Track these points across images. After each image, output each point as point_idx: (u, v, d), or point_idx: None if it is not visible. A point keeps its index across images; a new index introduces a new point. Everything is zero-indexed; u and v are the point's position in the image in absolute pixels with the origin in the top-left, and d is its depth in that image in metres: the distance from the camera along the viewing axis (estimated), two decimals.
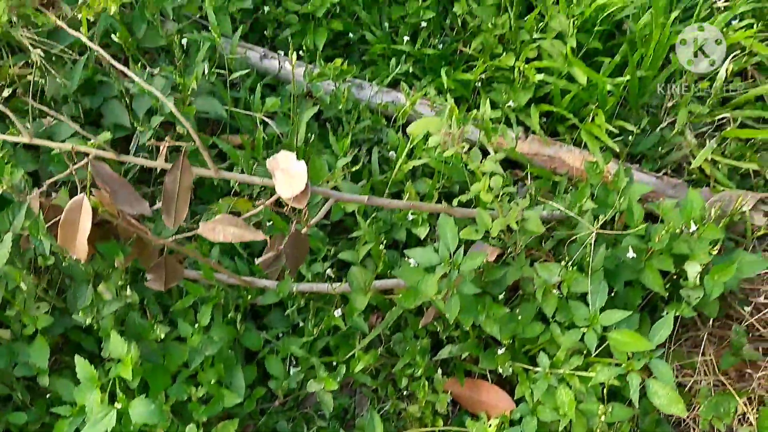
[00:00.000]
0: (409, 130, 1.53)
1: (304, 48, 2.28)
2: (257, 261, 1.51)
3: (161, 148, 1.36)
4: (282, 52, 2.30)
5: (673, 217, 1.78)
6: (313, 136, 1.98)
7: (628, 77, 2.06)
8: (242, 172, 1.82)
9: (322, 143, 2.05)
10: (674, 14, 2.06)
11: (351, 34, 2.36)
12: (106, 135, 1.54)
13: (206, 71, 1.88)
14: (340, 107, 2.00)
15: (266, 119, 1.87)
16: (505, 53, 2.23)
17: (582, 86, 2.06)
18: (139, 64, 1.87)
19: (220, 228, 1.36)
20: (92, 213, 1.35)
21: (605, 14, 2.08)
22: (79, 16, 1.79)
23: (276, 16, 2.27)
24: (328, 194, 1.45)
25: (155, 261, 1.46)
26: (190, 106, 1.80)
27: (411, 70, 2.31)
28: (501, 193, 1.54)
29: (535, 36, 2.17)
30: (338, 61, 2.10)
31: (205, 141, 1.85)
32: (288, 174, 1.40)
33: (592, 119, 2.07)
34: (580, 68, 2.03)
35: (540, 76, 2.05)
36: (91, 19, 1.75)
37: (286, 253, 1.37)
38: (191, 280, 1.66)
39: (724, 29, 2.15)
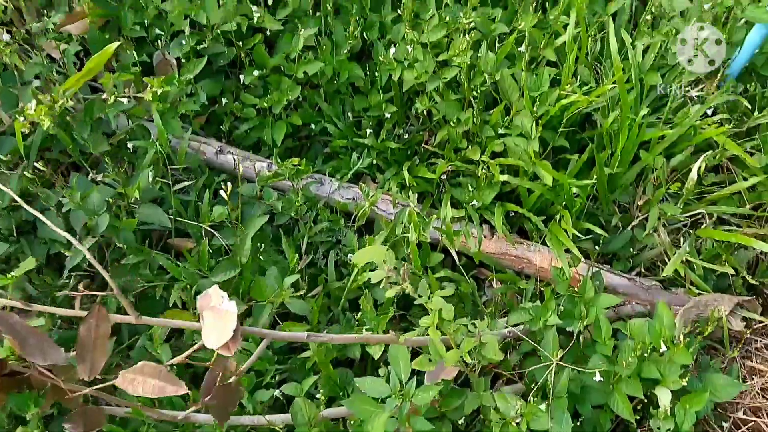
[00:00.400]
0: (353, 259, 1.43)
1: (262, 142, 2.20)
2: (178, 417, 1.39)
3: (77, 298, 1.25)
4: (239, 146, 2.23)
5: (641, 337, 1.68)
6: (263, 245, 1.88)
7: (595, 178, 1.97)
8: (186, 287, 1.72)
9: (277, 247, 1.96)
10: (643, 111, 1.98)
11: (313, 125, 2.28)
12: (30, 263, 1.44)
13: (150, 178, 1.79)
14: (293, 213, 1.90)
15: (213, 231, 1.78)
16: (470, 146, 2.14)
17: (548, 186, 1.97)
18: (74, 176, 1.77)
19: (140, 379, 1.25)
20: (1, 364, 1.25)
21: (571, 112, 2.00)
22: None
23: (233, 109, 2.19)
24: (262, 334, 1.34)
25: (76, 407, 1.34)
26: (130, 219, 1.71)
27: (375, 162, 2.23)
28: (454, 328, 1.43)
29: (501, 131, 2.09)
30: (295, 159, 2.02)
31: (146, 254, 1.75)
32: (217, 315, 1.30)
33: (559, 221, 1.97)
34: (546, 169, 1.94)
35: (504, 177, 1.96)
36: (26, 132, 1.66)
37: (212, 406, 1.26)
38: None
39: (697, 122, 2.08)
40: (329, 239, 2.00)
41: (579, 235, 1.93)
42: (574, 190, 1.94)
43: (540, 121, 2.00)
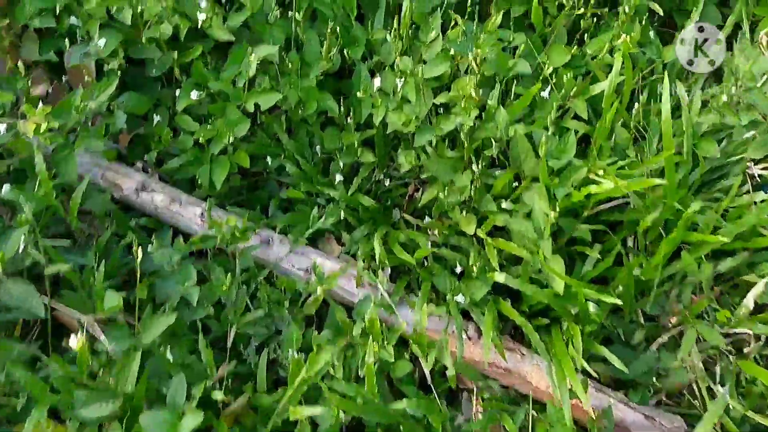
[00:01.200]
0: None
1: (198, 182, 1.71)
2: None
3: None
4: (171, 179, 1.75)
5: None
6: (175, 338, 1.42)
7: (619, 291, 1.50)
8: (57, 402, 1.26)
9: (194, 336, 1.49)
10: (695, 207, 1.49)
11: (269, 160, 1.79)
12: None
13: (22, 245, 1.32)
14: (212, 307, 1.44)
15: (98, 332, 1.30)
16: (464, 214, 1.66)
17: (556, 293, 1.50)
18: None
19: None
20: None
21: (598, 198, 1.52)
22: None
23: (163, 137, 1.68)
24: None
25: None
26: None
27: (343, 217, 1.74)
28: None
29: (505, 205, 1.60)
30: (232, 219, 1.54)
31: (7, 351, 1.29)
32: None
33: (566, 343, 1.51)
34: (556, 273, 1.46)
35: (501, 277, 1.48)
36: None
37: None
38: None
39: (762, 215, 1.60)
40: (266, 331, 1.54)
41: (588, 369, 1.46)
42: (591, 307, 1.47)
43: (558, 205, 1.51)
